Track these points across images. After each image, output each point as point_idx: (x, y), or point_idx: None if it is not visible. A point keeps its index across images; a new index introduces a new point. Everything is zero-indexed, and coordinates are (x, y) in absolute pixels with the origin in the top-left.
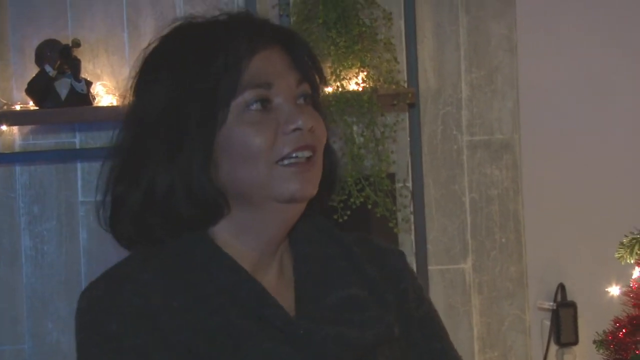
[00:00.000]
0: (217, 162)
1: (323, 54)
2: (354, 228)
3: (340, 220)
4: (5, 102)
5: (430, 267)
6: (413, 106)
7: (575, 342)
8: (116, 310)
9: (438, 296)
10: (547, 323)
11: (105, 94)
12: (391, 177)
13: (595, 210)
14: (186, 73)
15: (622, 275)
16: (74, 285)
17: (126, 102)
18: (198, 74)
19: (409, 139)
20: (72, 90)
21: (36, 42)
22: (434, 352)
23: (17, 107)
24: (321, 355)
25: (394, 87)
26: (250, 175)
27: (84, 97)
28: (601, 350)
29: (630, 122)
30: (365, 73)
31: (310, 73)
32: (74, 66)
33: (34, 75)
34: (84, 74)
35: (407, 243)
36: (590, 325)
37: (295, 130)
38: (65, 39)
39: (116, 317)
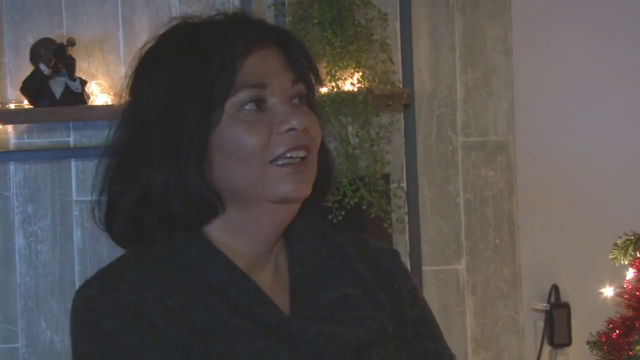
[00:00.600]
0: (211, 161)
1: (318, 54)
2: (349, 228)
3: (335, 220)
4: None
5: (424, 268)
6: (408, 107)
7: (568, 343)
8: (110, 309)
9: (432, 297)
10: (541, 324)
11: (100, 93)
12: (386, 177)
13: (589, 212)
14: (182, 73)
15: (616, 277)
16: (67, 285)
17: (122, 101)
18: (193, 74)
19: (403, 139)
20: (67, 89)
21: (31, 41)
22: (428, 352)
23: (12, 106)
24: (314, 354)
25: (389, 87)
26: (244, 175)
27: (78, 96)
28: (595, 352)
29: (624, 124)
30: (360, 73)
31: (305, 73)
32: (69, 65)
33: (28, 74)
34: (79, 73)
35: (401, 243)
36: (584, 327)
37: (289, 130)
38: (60, 37)
39: (110, 316)
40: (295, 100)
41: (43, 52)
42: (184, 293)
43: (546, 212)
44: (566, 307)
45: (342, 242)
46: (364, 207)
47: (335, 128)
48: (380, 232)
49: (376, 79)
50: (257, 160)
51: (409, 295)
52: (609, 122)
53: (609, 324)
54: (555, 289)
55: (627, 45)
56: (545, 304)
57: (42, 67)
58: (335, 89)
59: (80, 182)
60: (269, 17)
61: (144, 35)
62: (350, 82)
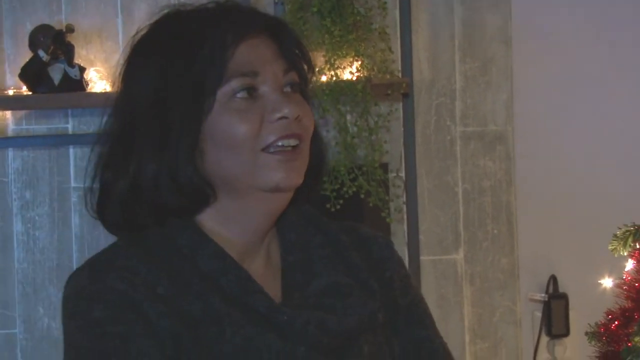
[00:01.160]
0: (203, 150)
1: (317, 43)
2: (347, 217)
3: (333, 209)
4: None
5: (422, 258)
6: (407, 96)
7: (566, 333)
8: (100, 296)
9: (430, 287)
10: (538, 315)
11: (99, 79)
12: (384, 167)
13: (588, 202)
14: (173, 61)
15: (614, 268)
16: (65, 271)
17: (115, 89)
18: (184, 62)
19: (402, 129)
20: (66, 76)
21: (29, 27)
22: (419, 340)
23: (10, 92)
24: (304, 342)
25: (388, 76)
26: (236, 164)
27: (77, 83)
28: (593, 342)
29: (623, 115)
30: (359, 62)
31: (297, 62)
32: (68, 52)
33: (27, 60)
34: (78, 60)
35: (399, 233)
36: (582, 317)
37: (281, 118)
38: (59, 24)
39: (101, 304)
40: (287, 89)
41: (42, 39)
42: (175, 281)
43: (544, 203)
44: (564, 297)
45: (335, 231)
46: (362, 196)
47: (334, 117)
48: (379, 221)
49: (375, 68)
50: (249, 148)
51: (401, 283)
52: (608, 112)
53: (607, 315)
54: (553, 279)
55: (627, 36)
56: (543, 295)
57: (41, 53)
58: (334, 78)
59: (79, 168)
60: (268, 5)
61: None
62: (349, 71)
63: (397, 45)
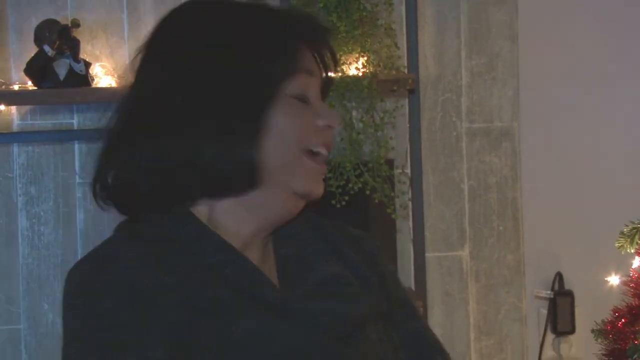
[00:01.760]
0: (259, 138)
1: None
2: (352, 213)
3: (338, 205)
4: (3, 82)
5: (427, 254)
6: (413, 92)
7: (571, 331)
8: (108, 287)
9: (435, 283)
10: (544, 312)
11: (104, 75)
12: (390, 163)
13: (594, 199)
14: (238, 49)
15: (620, 265)
16: (70, 267)
17: (171, 69)
18: (251, 51)
19: (408, 125)
20: (71, 71)
21: (35, 22)
22: (416, 331)
23: (16, 87)
24: (314, 329)
25: (394, 72)
26: (283, 157)
27: (82, 78)
28: (600, 340)
29: (630, 111)
30: (365, 58)
31: (330, 70)
32: (73, 47)
33: (32, 55)
34: (83, 55)
35: (404, 229)
36: (587, 315)
37: (327, 127)
38: (65, 19)
39: (108, 296)
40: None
41: (47, 34)
42: (180, 271)
43: (550, 199)
44: (570, 295)
45: (327, 227)
46: (367, 192)
47: (340, 113)
48: (384, 217)
49: (381, 64)
50: (297, 147)
51: (392, 277)
52: (614, 109)
53: (614, 313)
54: (559, 276)
55: (634, 32)
56: (548, 292)
57: (47, 48)
58: (340, 74)
59: (84, 164)
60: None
61: (148, 18)
62: (355, 67)
63: (403, 41)
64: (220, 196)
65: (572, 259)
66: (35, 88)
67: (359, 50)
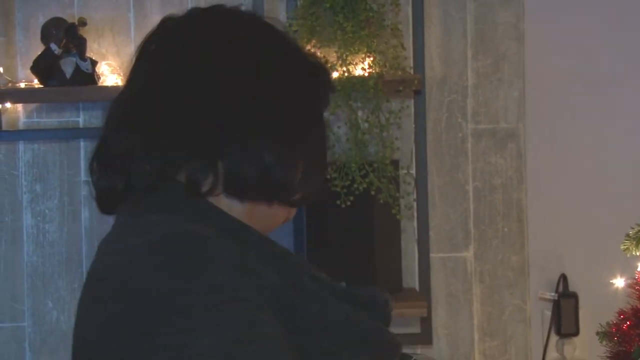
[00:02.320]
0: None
1: (329, 39)
2: (357, 214)
3: (343, 205)
4: (9, 79)
5: (432, 255)
6: (418, 93)
7: (575, 333)
8: (252, 291)
9: (439, 284)
10: (548, 313)
11: (110, 73)
12: (395, 163)
13: (600, 201)
14: (302, 73)
15: (625, 267)
16: (74, 264)
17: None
18: (315, 79)
19: (413, 125)
20: (77, 69)
21: (42, 20)
22: None
23: (22, 85)
24: (382, 317)
25: (399, 73)
26: (310, 174)
27: (89, 76)
28: (604, 342)
29: (636, 113)
30: (371, 58)
31: None
32: (80, 45)
33: (39, 53)
34: (89, 53)
35: (409, 230)
36: (591, 317)
37: None
38: (71, 17)
39: (252, 295)
40: None
41: (54, 32)
42: (264, 263)
43: (555, 201)
44: (574, 296)
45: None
46: (372, 192)
47: (345, 113)
48: (389, 218)
49: (387, 65)
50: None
51: None
52: (621, 111)
53: (619, 315)
54: (563, 278)
55: None
56: (553, 294)
57: (53, 46)
58: (346, 74)
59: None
60: (281, 0)
61: (154, 17)
62: (361, 67)
63: (409, 42)
64: (236, 197)
65: (576, 260)
66: (42, 86)
67: (365, 50)
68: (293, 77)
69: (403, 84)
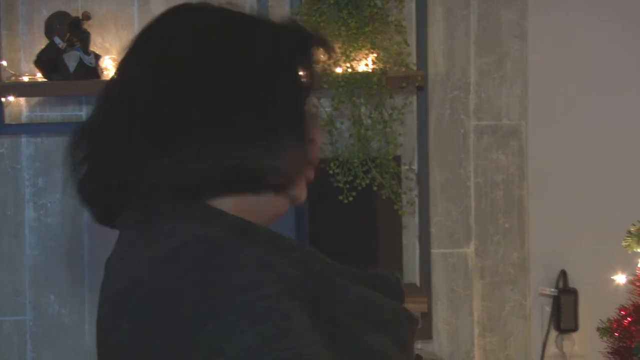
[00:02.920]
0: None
1: (333, 35)
2: (359, 209)
3: (346, 201)
4: (13, 73)
5: (433, 251)
6: (422, 89)
7: (575, 328)
8: (285, 285)
9: (440, 280)
10: (548, 309)
11: (114, 67)
12: (397, 159)
13: (601, 198)
14: (281, 61)
15: (626, 264)
16: (76, 258)
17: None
18: (294, 71)
19: (416, 122)
20: (81, 63)
21: (46, 14)
22: None
23: (25, 79)
24: (397, 297)
25: (403, 69)
26: (300, 165)
27: (92, 71)
28: (605, 338)
29: (637, 111)
30: (375, 55)
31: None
32: (84, 39)
33: (43, 47)
34: (93, 48)
35: (411, 226)
36: (591, 313)
37: (314, 141)
38: (75, 11)
39: (287, 295)
40: None
41: (58, 26)
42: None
43: (557, 198)
44: (574, 293)
45: None
46: (375, 188)
47: (349, 109)
48: (391, 213)
49: (390, 61)
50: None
51: None
52: (623, 109)
53: (621, 311)
54: (563, 274)
55: None
56: (553, 290)
57: (57, 40)
58: (349, 70)
59: None
60: None
61: (158, 11)
62: (365, 63)
63: (412, 38)
64: (230, 193)
65: (576, 257)
66: (45, 80)
67: (369, 46)
68: (254, 53)
69: (406, 80)
